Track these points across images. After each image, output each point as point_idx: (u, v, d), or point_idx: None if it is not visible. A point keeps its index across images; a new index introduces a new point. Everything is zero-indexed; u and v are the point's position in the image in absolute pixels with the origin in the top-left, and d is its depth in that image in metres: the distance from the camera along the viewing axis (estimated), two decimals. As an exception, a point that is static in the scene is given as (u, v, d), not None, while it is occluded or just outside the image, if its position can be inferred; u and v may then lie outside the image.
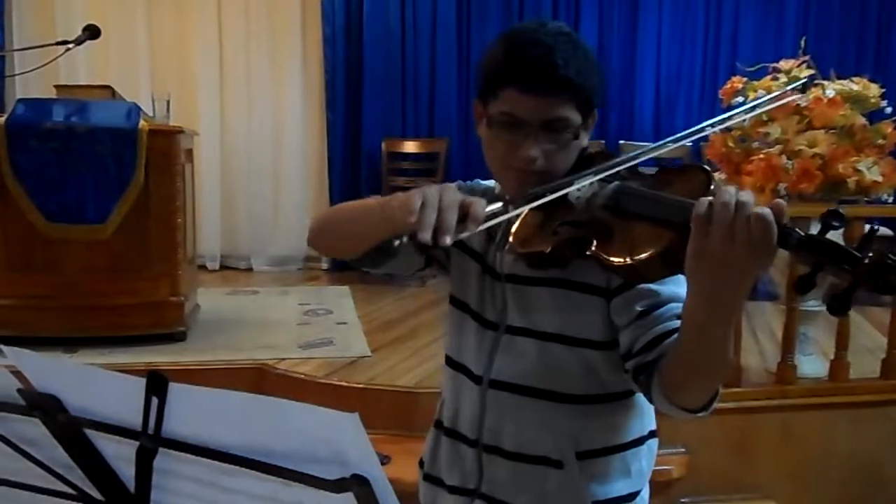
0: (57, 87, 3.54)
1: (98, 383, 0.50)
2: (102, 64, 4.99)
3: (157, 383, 0.47)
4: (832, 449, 2.90)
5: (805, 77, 2.92)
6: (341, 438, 0.44)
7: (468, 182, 1.37)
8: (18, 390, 0.52)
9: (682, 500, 2.76)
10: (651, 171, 1.15)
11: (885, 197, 2.95)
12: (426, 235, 0.92)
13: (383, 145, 5.36)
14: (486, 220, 0.98)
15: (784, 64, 3.07)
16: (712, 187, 0.96)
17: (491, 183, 1.34)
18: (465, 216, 0.95)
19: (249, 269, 5.46)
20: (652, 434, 1.28)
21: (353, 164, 5.46)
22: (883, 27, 5.73)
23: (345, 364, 3.19)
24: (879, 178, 2.85)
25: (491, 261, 1.24)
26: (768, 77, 3.07)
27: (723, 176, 3.02)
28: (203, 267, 5.10)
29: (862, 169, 2.86)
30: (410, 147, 5.39)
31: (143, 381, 0.48)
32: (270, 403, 0.48)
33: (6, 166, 3.18)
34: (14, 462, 0.58)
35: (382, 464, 0.48)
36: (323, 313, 4.10)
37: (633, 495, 1.23)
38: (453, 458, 1.28)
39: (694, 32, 5.72)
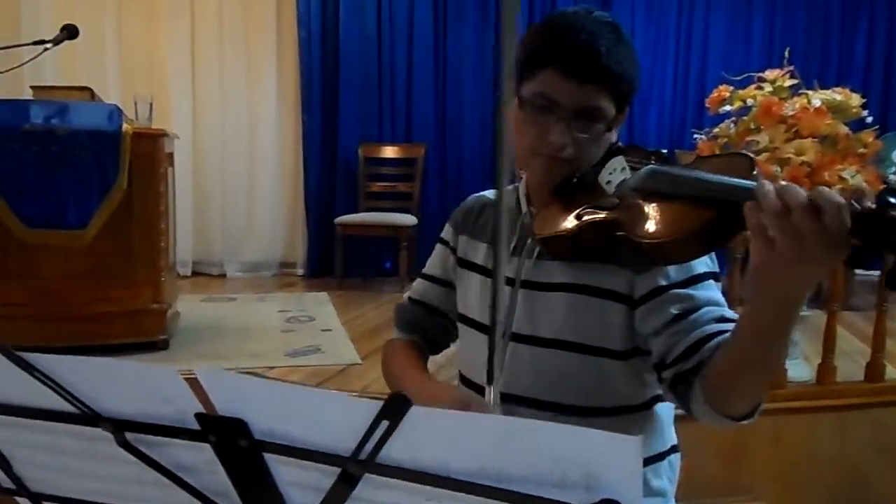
0: (34, 87, 3.42)
1: (312, 406, 0.47)
2: (70, 65, 4.82)
3: (396, 406, 0.44)
4: (819, 451, 2.95)
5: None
6: (604, 462, 0.42)
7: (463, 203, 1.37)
8: (197, 414, 0.49)
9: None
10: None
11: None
12: None
13: (360, 150, 5.30)
14: None
15: (769, 74, 3.12)
16: (755, 172, 0.91)
17: (489, 193, 1.33)
18: None
19: (223, 276, 5.35)
20: (673, 449, 1.25)
21: (329, 170, 5.39)
22: (846, 37, 5.89)
23: (336, 372, 3.14)
24: (864, 186, 2.92)
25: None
26: (753, 86, 3.12)
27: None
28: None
29: (847, 177, 2.93)
30: (388, 152, 5.34)
31: (377, 405, 0.45)
32: (529, 426, 0.45)
33: (-19, 169, 3.06)
34: (149, 489, 0.55)
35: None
36: (305, 320, 4.04)
37: None
38: None
39: (666, 39, 5.79)
